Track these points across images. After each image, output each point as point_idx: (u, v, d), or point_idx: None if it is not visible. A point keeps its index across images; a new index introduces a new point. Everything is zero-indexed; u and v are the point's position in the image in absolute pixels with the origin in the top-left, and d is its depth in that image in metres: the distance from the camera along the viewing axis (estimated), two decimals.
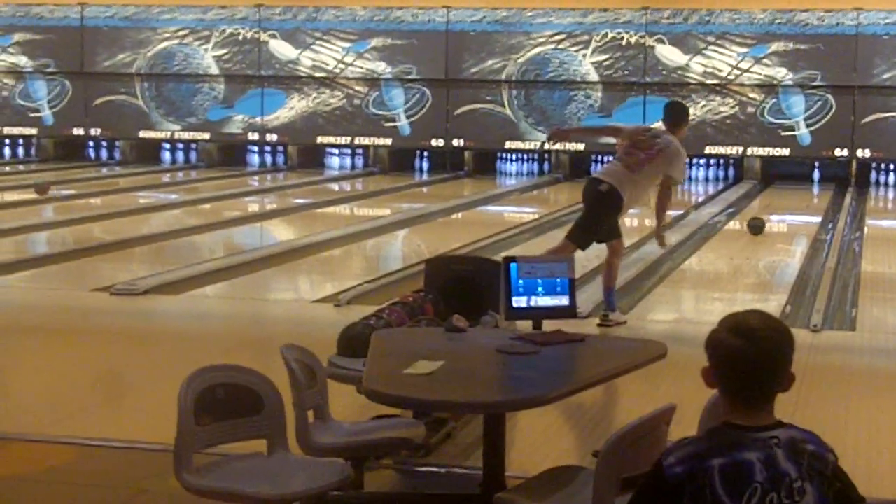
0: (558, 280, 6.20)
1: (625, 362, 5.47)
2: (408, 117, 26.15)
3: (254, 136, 26.98)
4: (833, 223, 18.27)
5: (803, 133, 24.48)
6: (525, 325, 6.75)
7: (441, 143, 25.98)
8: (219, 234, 16.78)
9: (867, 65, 24.14)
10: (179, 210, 19.53)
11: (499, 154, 26.17)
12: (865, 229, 18.02)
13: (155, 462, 6.26)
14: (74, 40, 27.57)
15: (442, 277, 7.64)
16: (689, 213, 19.50)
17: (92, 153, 28.24)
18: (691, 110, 24.22)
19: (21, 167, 26.58)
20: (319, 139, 26.64)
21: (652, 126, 11.18)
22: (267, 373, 5.05)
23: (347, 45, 26.34)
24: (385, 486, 6.10)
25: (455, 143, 25.91)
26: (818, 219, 19.04)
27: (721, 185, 24.25)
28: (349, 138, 26.47)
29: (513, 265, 6.18)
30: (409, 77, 26.06)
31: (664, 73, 24.73)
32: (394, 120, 26.21)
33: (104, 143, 28.09)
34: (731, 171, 25.14)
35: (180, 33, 27.20)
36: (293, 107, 26.69)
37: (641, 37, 24.94)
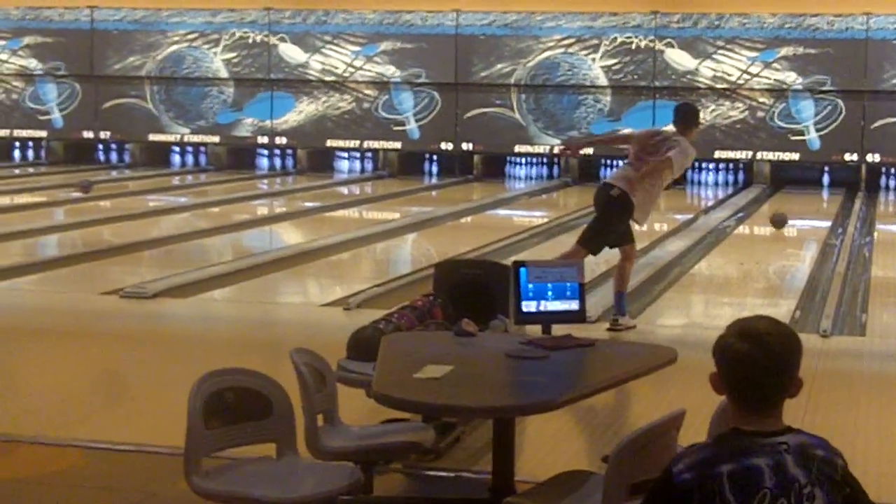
0: (568, 284, 6.20)
1: (635, 367, 5.46)
2: (417, 121, 26.15)
3: (263, 140, 27.00)
4: (843, 228, 18.25)
5: (813, 138, 24.45)
6: (535, 330, 6.75)
7: (450, 146, 25.98)
8: (228, 238, 16.78)
9: (877, 69, 24.12)
10: (189, 213, 19.54)
11: (508, 158, 26.16)
12: (875, 234, 18.00)
13: (164, 465, 6.26)
14: (84, 43, 27.61)
15: (451, 281, 7.63)
16: (698, 217, 19.50)
17: (101, 156, 28.27)
18: (701, 115, 24.28)
19: (31, 170, 26.62)
20: (329, 143, 26.66)
21: (662, 129, 11.16)
22: (276, 376, 5.05)
23: (357, 48, 26.35)
24: (394, 490, 6.09)
25: (464, 146, 25.91)
26: (828, 223, 19.02)
27: (730, 190, 24.23)
28: (358, 142, 26.48)
29: (522, 269, 6.18)
30: (419, 81, 26.06)
31: (673, 77, 24.71)
32: (403, 123, 26.21)
33: (114, 146, 28.12)
34: (740, 176, 25.11)
35: (190, 36, 27.23)
36: (302, 110, 26.70)
37: (651, 41, 24.93)
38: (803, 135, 24.47)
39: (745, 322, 3.31)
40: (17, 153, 28.64)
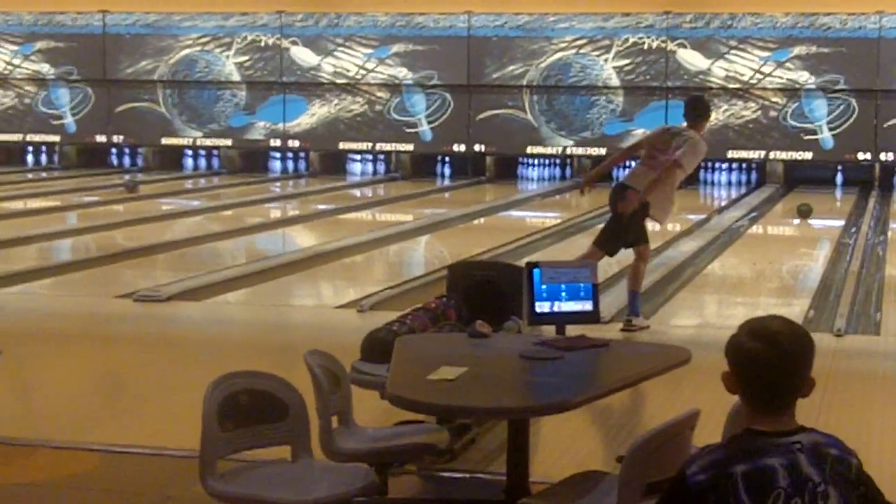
0: (582, 285, 6.20)
1: (649, 367, 5.45)
2: (429, 123, 26.17)
3: (276, 143, 27.03)
4: (856, 227, 18.21)
5: (826, 137, 24.42)
6: (548, 331, 6.74)
7: (462, 148, 25.99)
8: (241, 241, 16.80)
9: (890, 68, 24.07)
10: (202, 216, 19.56)
11: (520, 159, 26.17)
12: (889, 233, 17.96)
13: (179, 468, 6.27)
14: (97, 48, 27.66)
15: (464, 283, 7.63)
16: (711, 217, 19.47)
17: (115, 160, 28.33)
18: (714, 115, 24.24)
19: (44, 174, 26.68)
20: (341, 145, 26.68)
21: (671, 126, 11.15)
22: (290, 379, 5.05)
23: (369, 51, 26.37)
24: (409, 491, 6.09)
25: (476, 148, 25.91)
26: (841, 222, 18.98)
27: (744, 190, 24.21)
28: (371, 144, 26.50)
29: (536, 270, 6.18)
30: (431, 83, 26.07)
31: (686, 77, 24.69)
32: (415, 125, 26.23)
33: (127, 150, 28.18)
34: (753, 176, 25.09)
35: (202, 40, 27.27)
36: (315, 113, 26.73)
37: (663, 41, 24.92)
38: (816, 134, 24.44)
39: (757, 321, 3.31)
40: (30, 158, 28.71)
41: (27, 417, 7.76)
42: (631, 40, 25.10)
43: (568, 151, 25.53)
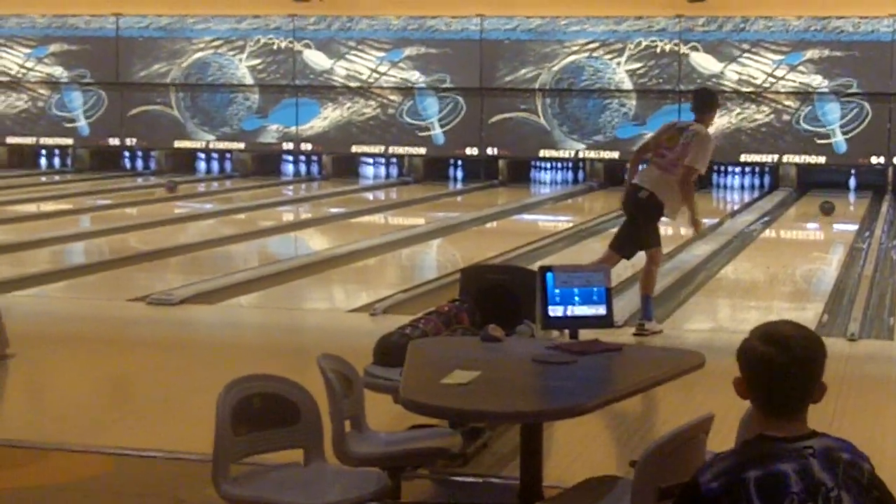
0: (595, 289, 6.17)
1: (662, 372, 5.44)
2: (442, 126, 26.17)
3: (288, 146, 27.05)
4: (870, 231, 18.18)
5: (839, 141, 24.38)
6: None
7: (475, 151, 25.99)
8: (254, 244, 16.81)
9: None
10: (214, 220, 19.58)
11: (533, 163, 26.16)
12: None
13: (192, 472, 6.27)
14: (110, 51, 27.71)
15: (477, 286, 7.63)
16: (724, 221, 19.45)
17: (127, 163, 28.39)
18: (726, 119, 24.28)
19: (57, 177, 26.72)
20: (354, 148, 26.69)
21: (677, 120, 11.12)
22: (302, 382, 5.05)
23: (381, 54, 26.38)
24: (422, 495, 6.09)
25: (489, 151, 25.92)
26: (855, 227, 18.95)
27: (756, 194, 24.18)
28: (383, 147, 26.51)
29: (549, 274, 6.15)
30: (443, 86, 26.08)
31: (699, 80, 24.63)
32: (428, 129, 26.23)
33: (139, 153, 28.23)
34: (766, 179, 25.07)
35: (215, 43, 27.31)
36: (327, 116, 26.75)
37: (676, 44, 24.90)
38: (829, 138, 24.40)
39: (769, 326, 3.31)
40: (43, 161, 28.78)
41: (40, 420, 7.77)
42: (644, 43, 25.09)
43: (580, 155, 25.53)
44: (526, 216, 21.18)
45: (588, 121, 25.47)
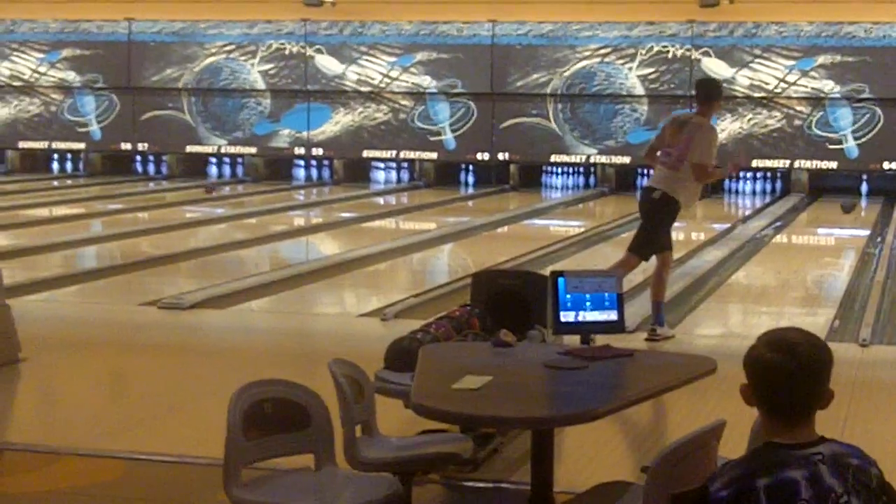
0: (606, 295, 6.17)
1: (674, 378, 5.43)
2: (453, 131, 26.17)
3: (300, 151, 27.07)
4: (882, 236, 18.14)
5: (851, 146, 24.34)
6: (573, 340, 6.72)
7: (486, 156, 25.99)
8: (265, 249, 16.83)
9: None
10: (226, 224, 19.59)
11: (544, 167, 26.15)
12: None
13: (203, 476, 6.28)
14: (122, 55, 27.76)
15: (488, 291, 7.62)
16: (736, 226, 19.43)
17: (139, 168, 28.43)
18: (738, 124, 24.27)
19: (69, 182, 26.77)
20: (365, 153, 26.71)
21: (679, 113, 11.10)
22: (313, 387, 5.05)
23: (393, 59, 26.39)
24: (433, 501, 6.09)
25: (500, 156, 25.92)
26: (867, 232, 18.91)
27: (768, 199, 24.15)
28: (395, 152, 26.53)
29: (560, 279, 6.15)
30: (455, 91, 26.08)
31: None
32: (439, 134, 26.24)
33: (151, 158, 28.27)
34: (778, 185, 25.04)
35: (227, 48, 27.34)
36: (339, 121, 26.76)
37: (687, 50, 24.89)
38: (841, 143, 24.37)
39: (775, 333, 3.31)
40: (55, 165, 28.82)
41: (51, 425, 7.78)
42: (655, 49, 25.08)
43: (592, 160, 25.52)
44: (537, 221, 21.17)
45: (600, 126, 25.46)
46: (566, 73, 25.55)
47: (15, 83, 28.51)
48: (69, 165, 28.70)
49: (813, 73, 24.43)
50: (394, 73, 26.41)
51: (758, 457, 3.23)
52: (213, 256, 15.60)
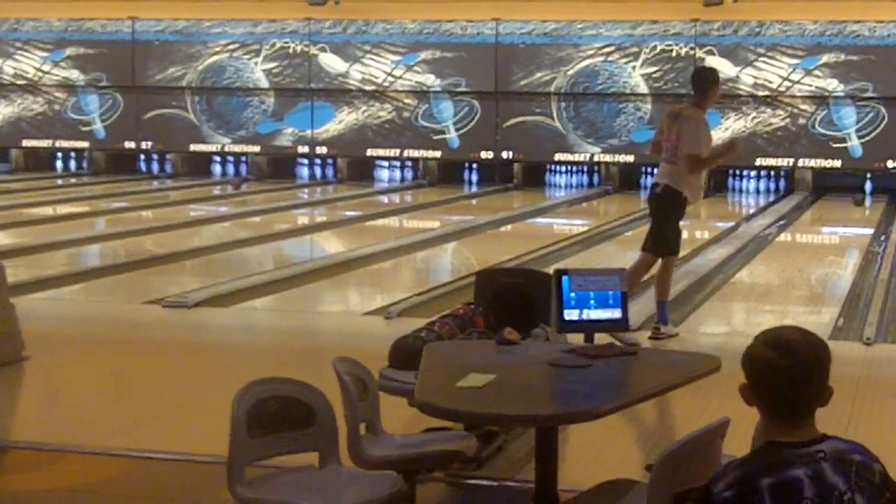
0: (610, 293, 6.18)
1: (678, 376, 5.43)
2: (457, 130, 26.17)
3: (304, 149, 27.07)
4: (886, 235, 18.13)
5: (854, 145, 24.32)
6: (577, 338, 6.72)
7: (490, 155, 25.99)
8: (269, 247, 16.84)
9: None
10: (229, 223, 19.60)
11: (548, 166, 26.14)
12: None
13: (207, 474, 6.28)
14: (126, 54, 27.76)
15: (492, 290, 7.62)
16: (739, 225, 19.42)
17: (143, 166, 28.43)
18: (742, 122, 24.25)
19: (73, 180, 26.78)
20: (369, 152, 26.70)
21: (673, 107, 11.06)
22: (317, 385, 5.05)
23: (397, 58, 26.39)
24: (437, 499, 6.09)
25: (504, 155, 25.91)
26: (870, 231, 18.90)
27: (772, 197, 24.13)
28: (398, 151, 26.52)
29: (565, 278, 6.16)
30: (459, 90, 26.08)
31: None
32: (443, 132, 26.23)
33: (155, 157, 28.27)
34: (781, 183, 25.01)
35: (230, 47, 27.34)
36: (343, 120, 26.76)
37: (691, 49, 24.88)
38: (845, 142, 24.35)
39: (772, 332, 3.31)
40: (59, 164, 28.84)
41: (55, 423, 7.78)
42: (659, 48, 25.07)
43: (595, 159, 25.51)
44: (541, 220, 21.17)
45: (603, 124, 25.46)
46: (570, 72, 25.54)
47: (19, 82, 28.53)
48: (73, 164, 28.71)
49: (817, 72, 24.42)
50: (398, 72, 26.41)
51: (760, 456, 3.23)
52: (217, 255, 15.61)
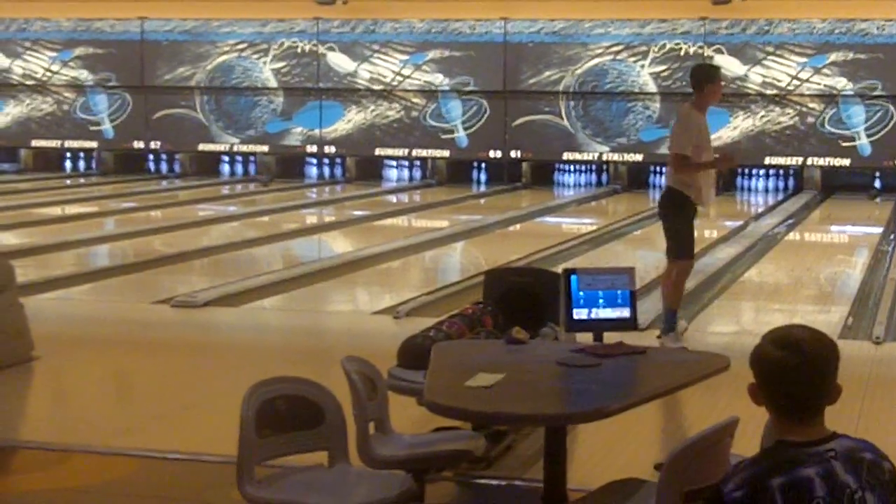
0: (619, 292, 6.17)
1: (686, 375, 5.43)
2: (465, 129, 26.17)
3: (312, 149, 27.08)
4: (895, 233, 18.10)
5: (864, 143, 24.29)
6: (585, 338, 6.72)
7: (499, 154, 25.98)
8: (277, 247, 16.84)
9: None
10: (238, 222, 19.62)
11: (556, 165, 26.13)
12: None
13: (217, 474, 6.28)
14: (135, 54, 27.79)
15: (501, 289, 7.61)
16: (748, 224, 19.40)
17: (152, 166, 28.45)
18: (750, 121, 24.23)
19: (82, 180, 26.81)
20: (377, 151, 26.70)
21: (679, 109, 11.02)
22: (326, 385, 5.05)
23: (405, 57, 26.39)
24: (446, 498, 6.09)
25: (513, 154, 25.90)
26: (880, 229, 18.86)
27: (781, 196, 24.10)
28: (407, 150, 26.52)
29: (573, 277, 6.15)
30: (467, 89, 26.07)
31: (723, 83, 24.51)
32: (451, 132, 26.23)
33: (164, 156, 28.29)
34: (790, 182, 24.98)
35: (239, 46, 27.36)
36: (351, 119, 26.77)
37: (700, 47, 24.85)
38: (854, 140, 24.31)
39: (780, 331, 3.31)
40: (68, 164, 28.87)
41: (64, 423, 7.79)
42: (668, 46, 25.05)
43: (604, 158, 25.50)
44: (549, 219, 21.16)
45: (612, 123, 25.44)
46: (578, 71, 25.53)
47: (28, 82, 28.57)
48: (82, 164, 28.75)
49: (826, 71, 24.39)
50: (406, 71, 26.41)
51: (771, 456, 3.23)
52: (225, 255, 15.62)
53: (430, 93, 26.32)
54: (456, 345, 6.44)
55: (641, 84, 25.24)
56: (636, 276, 6.57)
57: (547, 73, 25.68)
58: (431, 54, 26.24)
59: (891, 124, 24.09)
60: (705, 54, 24.71)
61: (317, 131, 26.88)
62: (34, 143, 28.48)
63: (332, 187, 26.19)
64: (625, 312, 6.20)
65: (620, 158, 25.35)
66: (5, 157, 28.67)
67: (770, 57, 24.60)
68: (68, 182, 26.55)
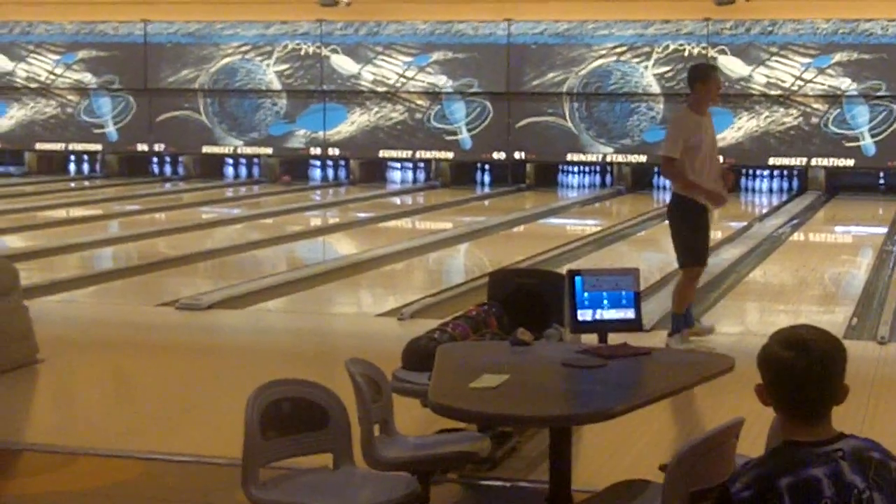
0: (624, 293, 6.17)
1: (692, 375, 5.43)
2: (469, 131, 26.16)
3: (316, 151, 27.08)
4: None
5: (868, 143, 24.27)
6: (590, 339, 6.72)
7: (502, 156, 25.97)
8: (281, 249, 16.84)
9: None
10: (242, 225, 19.61)
11: (560, 167, 26.12)
12: None
13: (221, 476, 6.28)
14: (138, 57, 27.80)
15: (505, 290, 7.61)
16: (753, 224, 19.39)
17: (156, 168, 28.46)
18: (754, 121, 24.22)
19: (86, 183, 26.83)
20: (381, 153, 26.71)
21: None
22: (331, 386, 5.05)
23: (409, 59, 26.39)
24: (451, 499, 6.08)
25: (516, 156, 25.90)
26: (884, 230, 18.85)
27: (785, 197, 24.09)
28: (411, 152, 26.52)
29: (578, 278, 6.15)
30: (471, 90, 26.07)
31: (727, 84, 24.51)
32: (455, 133, 26.23)
33: (168, 159, 28.30)
34: (794, 183, 24.97)
35: (243, 49, 27.36)
36: (355, 121, 26.77)
37: (704, 48, 24.84)
38: (858, 141, 24.30)
39: (787, 331, 3.30)
40: (72, 166, 28.89)
41: (69, 425, 7.79)
42: (671, 47, 25.04)
43: (608, 159, 25.49)
44: (553, 220, 21.16)
45: (616, 125, 25.43)
46: (582, 72, 25.52)
47: (31, 85, 28.59)
48: (86, 167, 28.76)
49: (830, 71, 24.37)
50: (409, 73, 26.41)
51: (778, 456, 3.22)
52: (230, 257, 15.61)
53: (433, 94, 26.32)
54: (460, 346, 6.43)
55: (645, 85, 25.23)
56: (641, 277, 6.57)
57: (550, 75, 25.67)
58: (435, 56, 26.24)
59: (895, 124, 24.07)
60: (709, 55, 24.70)
61: (320, 133, 26.89)
62: (38, 145, 28.50)
63: (336, 189, 26.18)
64: (629, 313, 6.21)
65: (624, 160, 25.34)
66: (10, 160, 28.70)
67: (774, 57, 24.58)
68: (72, 185, 26.58)
